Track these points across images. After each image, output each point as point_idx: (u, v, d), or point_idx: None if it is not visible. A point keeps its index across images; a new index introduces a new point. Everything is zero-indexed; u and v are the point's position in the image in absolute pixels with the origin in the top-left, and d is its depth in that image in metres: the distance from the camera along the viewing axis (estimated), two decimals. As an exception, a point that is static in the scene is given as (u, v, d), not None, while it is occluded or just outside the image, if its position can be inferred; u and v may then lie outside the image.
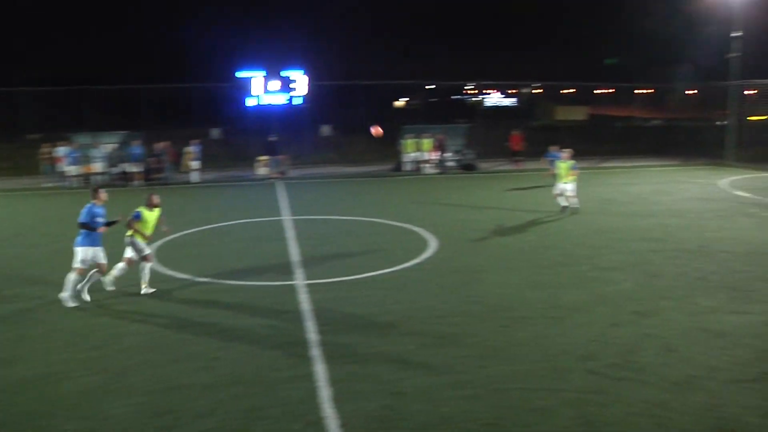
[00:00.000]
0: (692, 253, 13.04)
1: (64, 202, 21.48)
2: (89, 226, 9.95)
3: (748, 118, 33.31)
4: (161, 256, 13.26)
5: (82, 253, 9.97)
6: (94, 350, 8.22)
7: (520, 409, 6.50)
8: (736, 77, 31.72)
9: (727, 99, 32.49)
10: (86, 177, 25.77)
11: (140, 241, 10.66)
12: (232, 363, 7.77)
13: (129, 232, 10.67)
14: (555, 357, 7.81)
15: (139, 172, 25.67)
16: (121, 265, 10.74)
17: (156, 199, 10.99)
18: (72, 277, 9.98)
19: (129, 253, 10.74)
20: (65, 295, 10.02)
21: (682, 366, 7.53)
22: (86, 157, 25.74)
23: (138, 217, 10.64)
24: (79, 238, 10.03)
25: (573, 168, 17.27)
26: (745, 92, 32.92)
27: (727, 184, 23.93)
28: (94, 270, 10.26)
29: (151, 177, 26.10)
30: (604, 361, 7.65)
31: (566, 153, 17.83)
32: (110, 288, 10.68)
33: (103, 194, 10.42)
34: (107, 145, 26.77)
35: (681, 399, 6.67)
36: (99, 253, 10.15)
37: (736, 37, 31.08)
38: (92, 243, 10.03)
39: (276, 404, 6.69)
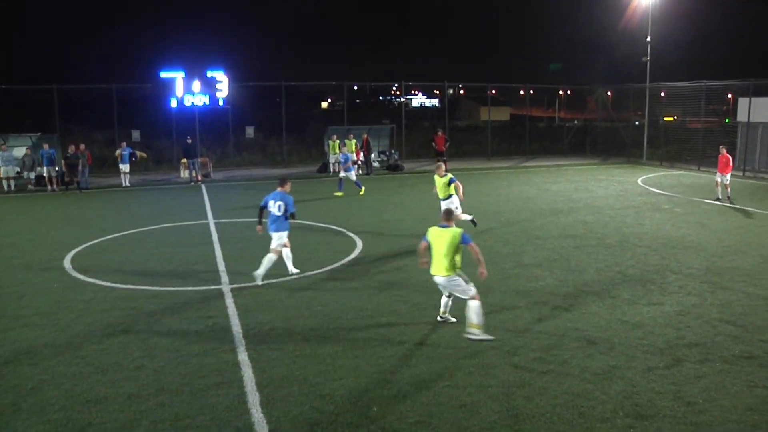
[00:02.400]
0: (611, 248, 13.54)
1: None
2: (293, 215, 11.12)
3: (665, 118, 34.90)
4: (81, 262, 12.75)
5: (279, 237, 11.05)
6: (3, 366, 7.79)
7: (448, 406, 6.58)
8: (649, 80, 33.23)
9: (642, 100, 34.02)
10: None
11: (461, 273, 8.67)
12: (157, 371, 7.54)
13: (453, 270, 8.51)
14: (481, 353, 7.94)
15: (55, 177, 24.55)
16: (474, 304, 8.45)
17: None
18: (271, 257, 10.96)
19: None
20: (260, 272, 10.92)
21: (602, 357, 7.80)
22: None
23: (469, 241, 8.43)
24: (276, 225, 10.99)
25: (451, 182, 14.41)
26: (662, 94, 34.47)
27: (642, 182, 24.99)
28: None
29: (70, 181, 24.92)
30: (528, 356, 7.84)
31: (440, 167, 14.89)
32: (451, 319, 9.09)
33: (289, 185, 11.43)
34: (18, 148, 25.53)
35: (601, 388, 6.92)
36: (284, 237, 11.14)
37: (649, 42, 32.57)
38: (285, 228, 11.08)
39: (204, 412, 6.54)
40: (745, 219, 16.98)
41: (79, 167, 24.33)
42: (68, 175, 24.22)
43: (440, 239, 8.47)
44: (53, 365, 7.76)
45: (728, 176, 19.62)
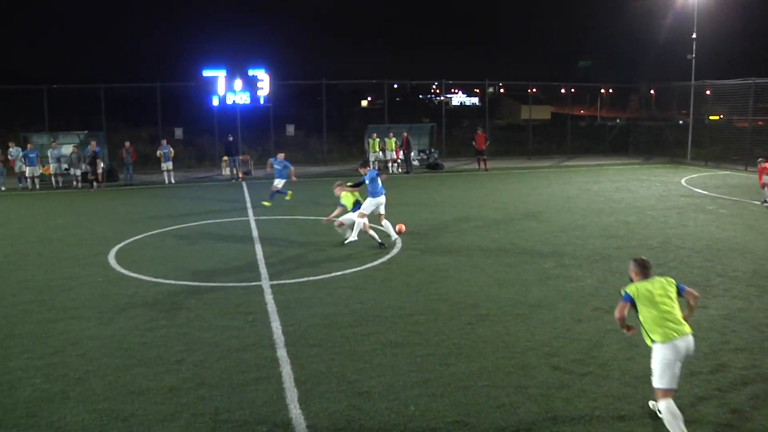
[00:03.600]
0: (654, 249, 13.28)
1: (22, 205, 21.00)
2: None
3: (711, 117, 34.08)
4: (125, 257, 13.03)
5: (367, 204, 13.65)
6: (52, 355, 8.01)
7: (485, 406, 6.53)
8: (694, 77, 32.47)
9: (687, 98, 33.26)
10: (44, 178, 25.31)
11: None
12: (197, 365, 7.66)
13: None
14: (520, 354, 7.88)
15: (100, 174, 25.12)
16: None
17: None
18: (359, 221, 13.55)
19: None
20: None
21: (643, 360, 7.62)
22: (46, 157, 25.27)
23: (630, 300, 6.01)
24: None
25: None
26: (708, 92, 33.67)
27: (685, 182, 24.46)
28: None
29: (95, 179, 25.31)
30: (568, 357, 7.74)
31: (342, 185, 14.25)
32: None
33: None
34: (67, 145, 26.24)
35: (642, 392, 6.78)
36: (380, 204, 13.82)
37: (695, 39, 31.82)
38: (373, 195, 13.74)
39: (243, 406, 6.62)
40: (794, 221, 16.45)
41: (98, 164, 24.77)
42: (92, 174, 24.83)
43: (661, 290, 6.04)
44: (98, 357, 7.95)
45: None
